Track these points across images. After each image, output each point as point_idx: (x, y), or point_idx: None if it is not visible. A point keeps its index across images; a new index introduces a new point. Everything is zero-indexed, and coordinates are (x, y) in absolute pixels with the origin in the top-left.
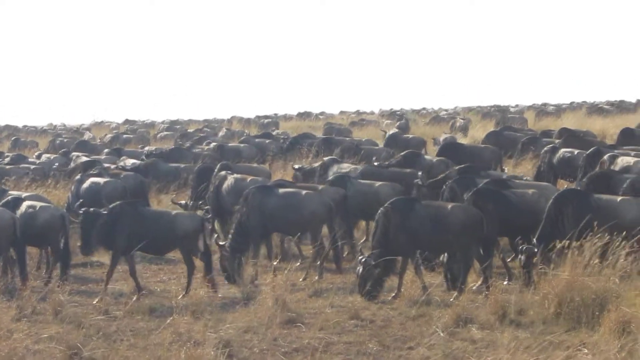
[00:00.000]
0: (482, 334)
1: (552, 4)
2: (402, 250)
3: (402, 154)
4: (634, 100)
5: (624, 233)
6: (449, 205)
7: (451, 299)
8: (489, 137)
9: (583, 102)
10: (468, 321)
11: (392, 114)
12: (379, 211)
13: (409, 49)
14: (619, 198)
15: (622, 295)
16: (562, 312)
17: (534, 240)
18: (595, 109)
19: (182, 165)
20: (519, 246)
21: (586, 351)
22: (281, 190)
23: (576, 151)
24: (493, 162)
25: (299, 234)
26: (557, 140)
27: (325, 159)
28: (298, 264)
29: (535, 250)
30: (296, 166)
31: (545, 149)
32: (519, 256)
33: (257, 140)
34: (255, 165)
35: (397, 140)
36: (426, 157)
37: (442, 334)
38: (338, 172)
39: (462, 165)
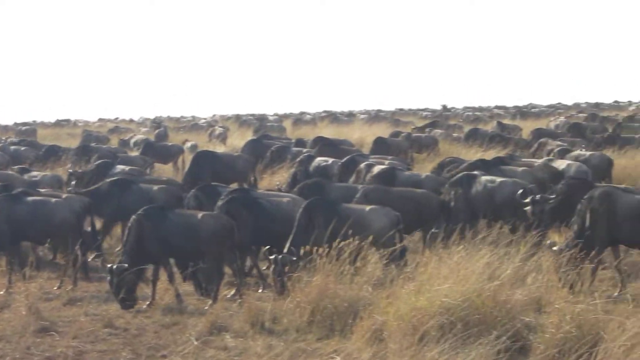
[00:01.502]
0: (235, 342)
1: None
2: (155, 258)
3: (96, 163)
4: (391, 109)
5: (373, 241)
6: (200, 214)
7: (205, 307)
8: (247, 145)
9: (343, 111)
10: (222, 329)
11: (147, 122)
12: (132, 218)
13: (168, 57)
14: (368, 207)
15: (375, 303)
16: (315, 320)
17: (286, 248)
18: (333, 118)
19: None
20: (271, 254)
21: (339, 359)
22: (30, 198)
23: (331, 160)
24: (247, 170)
25: (49, 241)
26: (305, 150)
27: (15, 167)
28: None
29: (289, 258)
30: None
31: (301, 157)
32: (272, 264)
33: (12, 147)
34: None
35: (154, 148)
36: (118, 166)
37: (195, 342)
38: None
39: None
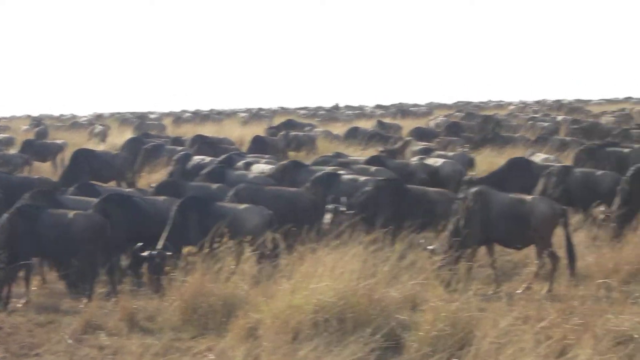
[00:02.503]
0: (110, 340)
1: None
2: (28, 257)
3: None
4: (273, 108)
5: (247, 240)
6: (72, 213)
7: (80, 306)
8: (127, 144)
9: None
10: (97, 328)
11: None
12: (4, 216)
13: (47, 55)
14: (242, 206)
15: (251, 302)
16: (190, 318)
17: (160, 245)
18: (203, 117)
19: None
20: (142, 252)
21: (213, 357)
22: None
23: (208, 158)
24: (125, 169)
25: None
26: (180, 148)
27: None
28: None
29: (164, 253)
30: None
31: (178, 156)
32: (148, 261)
33: None
34: None
35: (33, 146)
36: None
37: (69, 341)
38: None
39: None
